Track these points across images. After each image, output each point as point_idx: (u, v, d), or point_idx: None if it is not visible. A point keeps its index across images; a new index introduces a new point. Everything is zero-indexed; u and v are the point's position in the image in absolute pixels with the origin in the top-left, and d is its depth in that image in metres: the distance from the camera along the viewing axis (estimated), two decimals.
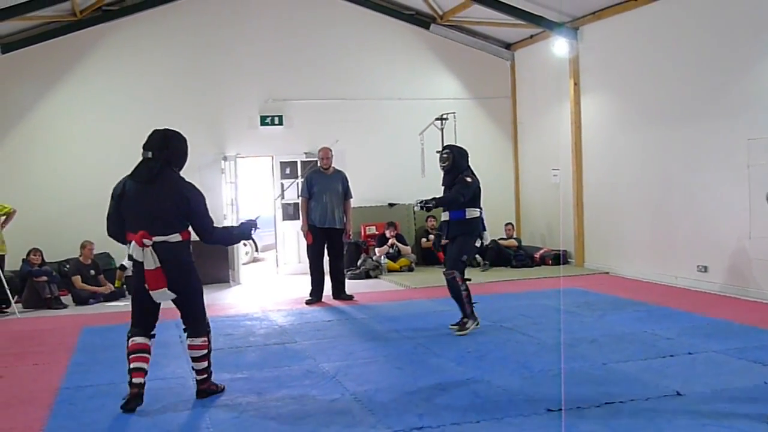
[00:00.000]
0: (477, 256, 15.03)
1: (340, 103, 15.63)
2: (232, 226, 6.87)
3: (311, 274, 11.76)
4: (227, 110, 15.11)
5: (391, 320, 9.91)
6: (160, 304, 6.29)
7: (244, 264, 15.70)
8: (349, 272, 13.77)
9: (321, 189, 11.54)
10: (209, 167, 14.86)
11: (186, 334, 6.48)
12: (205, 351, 6.42)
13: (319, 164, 11.92)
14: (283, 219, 15.53)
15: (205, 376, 6.51)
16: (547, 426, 5.49)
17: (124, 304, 12.20)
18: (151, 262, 6.05)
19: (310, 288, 11.74)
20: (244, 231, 6.68)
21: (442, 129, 14.67)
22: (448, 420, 5.65)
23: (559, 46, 14.47)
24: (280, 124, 15.37)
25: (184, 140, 6.69)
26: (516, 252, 15.14)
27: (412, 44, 16.20)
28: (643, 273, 12.78)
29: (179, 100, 14.67)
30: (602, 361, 7.33)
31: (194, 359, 6.44)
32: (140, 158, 6.51)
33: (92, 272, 12.73)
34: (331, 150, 11.93)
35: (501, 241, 15.25)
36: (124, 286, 12.98)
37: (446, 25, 16.05)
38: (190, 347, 6.43)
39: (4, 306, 11.62)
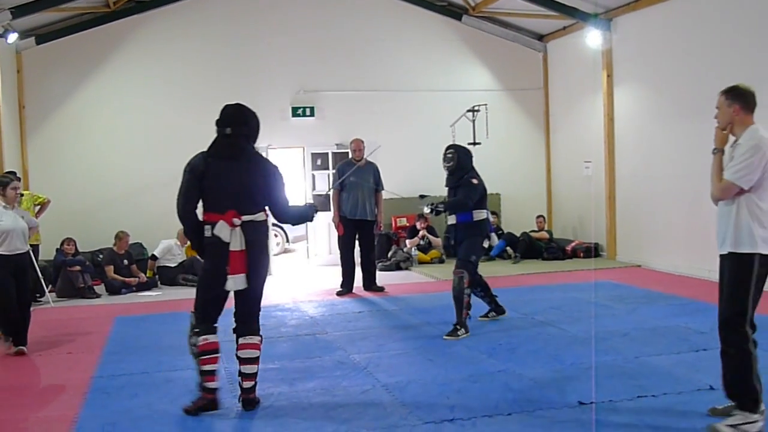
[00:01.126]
0: (508, 248, 15.03)
1: (372, 94, 15.62)
2: (296, 206, 6.52)
3: (342, 266, 11.78)
4: (259, 101, 14.86)
5: (422, 312, 9.90)
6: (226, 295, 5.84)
7: (275, 255, 15.76)
8: (380, 264, 13.78)
9: (353, 181, 11.55)
10: None
11: (239, 331, 5.91)
12: (260, 353, 5.94)
13: (351, 156, 11.93)
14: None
15: (255, 382, 5.95)
16: (579, 419, 5.47)
17: (156, 294, 12.33)
18: (238, 243, 5.67)
19: (341, 279, 11.76)
20: (308, 212, 6.56)
21: (473, 121, 14.64)
22: (480, 412, 5.64)
23: (593, 37, 14.35)
24: (312, 115, 15.40)
25: (256, 115, 6.26)
26: (547, 244, 15.07)
27: (444, 35, 16.15)
28: (676, 266, 12.67)
29: (211, 91, 14.68)
30: (634, 355, 7.28)
31: (246, 361, 5.87)
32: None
33: (125, 262, 12.84)
34: (363, 142, 11.93)
35: (532, 234, 15.19)
36: (156, 276, 13.10)
37: (478, 17, 15.98)
38: (244, 347, 5.86)
39: (38, 295, 11.73)
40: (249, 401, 5.91)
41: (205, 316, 5.82)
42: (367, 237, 11.74)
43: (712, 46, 11.74)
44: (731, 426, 5.07)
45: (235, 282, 5.70)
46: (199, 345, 5.76)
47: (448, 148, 9.06)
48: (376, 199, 11.73)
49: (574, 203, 15.83)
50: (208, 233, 5.73)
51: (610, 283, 11.80)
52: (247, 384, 5.89)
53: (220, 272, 5.69)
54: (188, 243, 13.43)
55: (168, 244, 13.33)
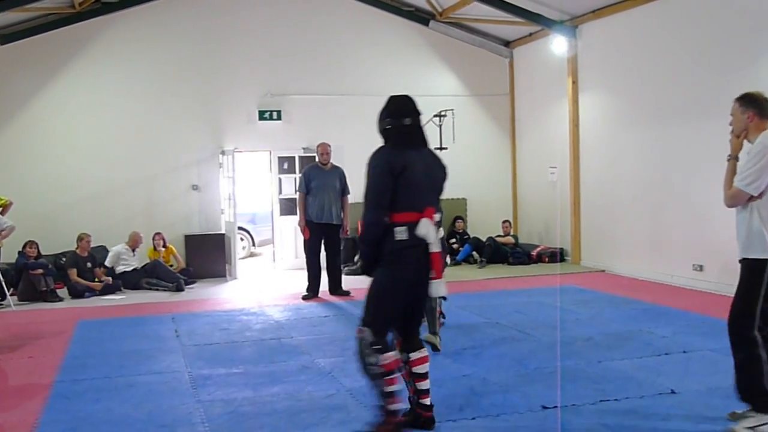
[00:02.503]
0: (474, 253, 15.10)
1: (339, 98, 15.61)
2: None
3: (308, 270, 11.75)
4: (226, 105, 15.09)
5: None
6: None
7: (240, 259, 15.69)
8: (345, 268, 13.75)
9: (319, 184, 11.53)
10: (207, 161, 14.88)
11: (407, 347, 5.36)
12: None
13: (317, 159, 11.92)
14: (281, 214, 15.51)
15: (429, 398, 5.42)
16: (543, 423, 5.50)
17: (120, 298, 12.22)
18: (437, 243, 5.17)
19: (306, 283, 11.73)
20: None
21: (440, 126, 14.66)
22: (444, 417, 5.64)
23: (558, 44, 14.46)
24: (279, 119, 15.35)
25: None
26: (513, 249, 15.14)
27: (411, 41, 16.18)
28: (640, 271, 12.79)
29: (178, 93, 14.66)
30: (598, 359, 7.34)
31: (424, 376, 5.37)
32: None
33: (89, 265, 12.72)
34: (329, 146, 11.92)
35: (498, 239, 15.26)
36: (119, 280, 12.97)
37: (445, 22, 16.04)
38: (420, 362, 5.34)
39: None
40: (429, 421, 5.41)
41: (386, 331, 5.21)
42: (333, 241, 11.73)
43: (675, 53, 11.88)
44: (749, 428, 5.15)
45: (439, 287, 5.24)
46: (383, 364, 5.09)
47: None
48: (342, 204, 11.72)
49: (540, 208, 15.92)
50: (402, 236, 5.12)
51: (574, 287, 11.89)
52: (427, 400, 5.40)
53: (420, 278, 5.19)
54: (138, 246, 13.37)
55: (117, 251, 13.23)
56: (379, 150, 5.30)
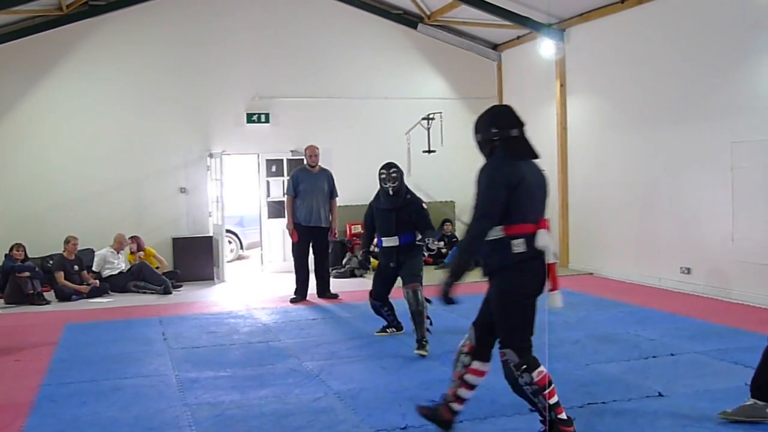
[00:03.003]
0: None
1: (327, 101, 15.60)
2: None
3: (296, 273, 11.73)
4: (213, 107, 15.07)
5: (376, 319, 9.87)
6: None
7: (228, 261, 15.66)
8: (334, 271, 13.77)
9: (307, 187, 11.52)
10: (195, 164, 14.85)
11: (484, 355, 5.34)
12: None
13: (305, 162, 11.91)
14: (269, 217, 15.49)
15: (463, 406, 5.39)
16: (530, 426, 5.49)
17: (107, 301, 12.17)
18: (553, 254, 5.15)
19: (294, 287, 11.72)
20: None
21: (428, 128, 14.69)
22: None
23: (546, 47, 14.48)
24: (267, 121, 15.33)
25: None
26: None
27: (399, 44, 16.19)
28: (627, 274, 12.82)
29: (165, 96, 14.63)
30: (585, 362, 7.35)
31: (467, 385, 5.33)
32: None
33: (76, 268, 12.67)
34: (318, 148, 11.91)
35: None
36: (106, 283, 12.92)
37: (433, 25, 16.06)
38: (474, 372, 5.31)
39: None
40: (452, 423, 5.41)
41: (528, 347, 5.14)
42: (321, 244, 11.72)
43: (662, 56, 11.92)
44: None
45: (557, 299, 5.26)
46: (537, 381, 5.02)
47: (391, 165, 8.54)
48: (330, 206, 11.72)
49: None
50: (520, 248, 5.01)
51: (562, 290, 11.84)
52: (459, 407, 5.37)
53: (537, 291, 5.17)
54: (126, 249, 13.35)
55: (102, 254, 13.18)
56: (494, 162, 5.22)
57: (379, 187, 8.65)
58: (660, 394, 6.19)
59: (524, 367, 5.03)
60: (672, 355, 7.58)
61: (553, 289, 5.18)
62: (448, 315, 9.80)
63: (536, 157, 5.24)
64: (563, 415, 5.06)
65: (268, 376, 7.15)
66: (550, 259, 5.09)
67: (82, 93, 14.33)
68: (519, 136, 5.22)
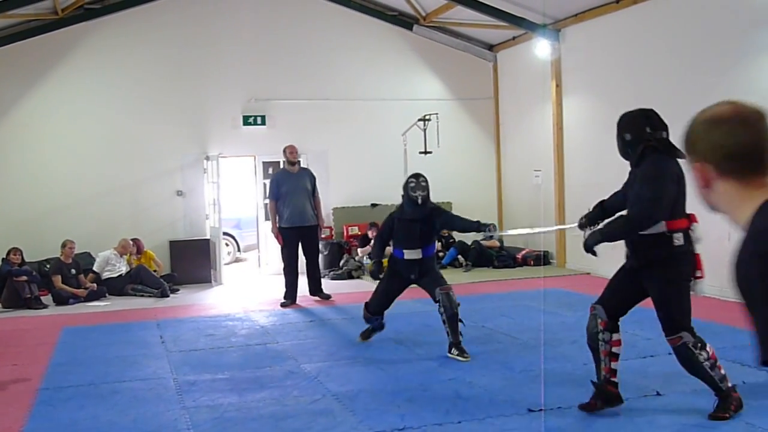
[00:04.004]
0: (459, 256, 15.11)
1: (323, 103, 15.61)
2: None
3: (285, 276, 11.65)
4: (210, 110, 15.06)
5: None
6: None
7: (226, 264, 15.65)
8: (331, 272, 13.78)
9: (289, 189, 11.50)
10: (191, 167, 14.84)
11: (610, 327, 5.91)
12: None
13: (285, 160, 11.89)
14: (266, 219, 15.47)
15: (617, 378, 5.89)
16: (528, 426, 5.52)
17: (105, 305, 12.17)
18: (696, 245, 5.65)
19: (284, 290, 11.69)
20: None
21: (425, 130, 14.70)
22: (430, 420, 5.66)
23: (541, 47, 14.50)
24: (263, 124, 15.33)
25: None
26: (498, 252, 15.17)
27: (395, 45, 16.20)
28: None
29: (162, 99, 14.62)
30: (583, 362, 7.34)
31: (615, 357, 5.86)
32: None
33: (73, 272, 12.65)
34: (297, 147, 11.95)
35: (483, 242, 15.25)
36: (104, 286, 12.91)
37: (429, 26, 16.06)
38: (616, 343, 5.88)
39: None
40: (620, 396, 5.84)
41: (692, 327, 5.69)
42: (312, 243, 11.67)
43: (657, 56, 11.94)
44: None
45: (704, 286, 5.83)
46: (711, 355, 5.60)
47: (419, 175, 8.33)
48: (314, 204, 11.70)
49: (525, 211, 15.95)
50: (680, 241, 5.57)
51: (559, 290, 11.92)
52: (616, 379, 5.85)
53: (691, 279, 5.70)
54: (129, 253, 13.33)
55: (105, 256, 13.17)
56: (664, 159, 5.59)
57: (403, 198, 8.36)
58: (658, 393, 6.21)
59: (700, 344, 5.52)
60: (670, 354, 7.50)
61: (701, 276, 5.70)
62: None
63: (684, 157, 5.49)
64: (615, 379, 5.75)
65: (266, 379, 7.15)
66: (697, 249, 5.64)
67: (78, 96, 14.31)
68: (667, 137, 5.70)
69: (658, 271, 5.61)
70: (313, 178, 11.80)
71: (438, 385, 6.70)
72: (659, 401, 6.03)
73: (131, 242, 13.47)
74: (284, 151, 11.92)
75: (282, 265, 11.85)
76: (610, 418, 5.66)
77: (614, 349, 5.80)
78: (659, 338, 8.23)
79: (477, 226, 8.13)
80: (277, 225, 11.57)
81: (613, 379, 5.80)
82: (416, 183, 8.19)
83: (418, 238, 8.14)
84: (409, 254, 8.19)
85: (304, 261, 11.74)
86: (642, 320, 9.30)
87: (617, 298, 5.92)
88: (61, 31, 14.02)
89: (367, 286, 13.24)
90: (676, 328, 5.57)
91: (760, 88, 10.05)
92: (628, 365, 7.17)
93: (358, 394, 6.51)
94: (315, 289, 11.78)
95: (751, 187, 1.95)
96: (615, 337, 5.81)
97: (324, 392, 6.61)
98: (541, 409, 5.80)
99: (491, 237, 8.60)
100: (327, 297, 11.72)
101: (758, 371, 6.48)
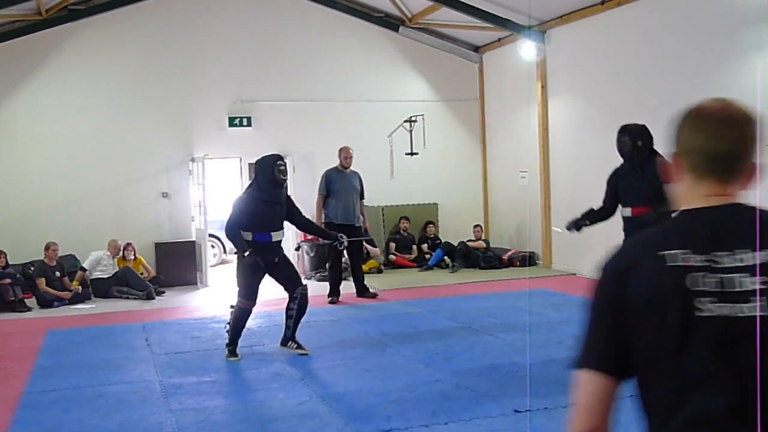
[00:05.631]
0: (446, 257, 15.12)
1: (309, 104, 15.59)
2: None
3: (331, 273, 11.94)
4: (195, 111, 15.01)
5: (360, 322, 9.90)
6: None
7: (212, 266, 15.59)
8: (318, 274, 13.76)
9: (341, 187, 11.71)
10: (177, 168, 14.78)
11: None
12: None
13: (340, 162, 12.04)
14: None
15: None
16: (515, 427, 5.52)
17: (90, 307, 12.11)
18: None
19: (328, 288, 11.83)
20: None
21: (411, 131, 14.71)
22: (417, 422, 5.65)
23: (527, 49, 14.53)
24: (249, 125, 15.29)
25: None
26: (484, 253, 15.18)
27: (381, 46, 16.20)
28: None
29: (146, 100, 14.56)
30: (569, 362, 7.37)
31: None
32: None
33: (57, 274, 12.58)
34: (352, 149, 12.10)
35: (469, 243, 15.29)
36: (89, 288, 12.84)
37: (415, 28, 16.07)
38: None
39: None
40: None
41: None
42: (355, 243, 11.65)
43: (643, 57, 11.98)
44: None
45: None
46: None
47: (283, 157, 8.40)
48: (360, 206, 11.97)
49: (511, 213, 15.98)
50: None
51: (545, 291, 11.94)
52: None
53: None
54: (118, 254, 13.28)
55: (97, 255, 13.11)
56: (663, 162, 6.14)
57: (260, 179, 8.21)
58: None
59: None
60: None
61: None
62: (432, 317, 9.85)
63: None
64: None
65: (252, 381, 7.14)
66: None
67: (62, 98, 14.24)
68: None
69: None
70: (361, 181, 12.02)
71: (424, 386, 6.70)
72: None
73: (119, 243, 13.40)
74: (339, 152, 12.11)
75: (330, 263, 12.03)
76: None
77: None
78: None
79: (320, 232, 9.01)
80: (322, 220, 11.59)
81: None
82: (284, 165, 8.20)
83: (281, 219, 8.21)
84: (277, 236, 8.18)
85: (301, 260, 11.79)
86: None
87: None
88: (45, 32, 13.93)
89: (353, 287, 13.24)
90: None
91: (744, 88, 10.10)
92: None
93: (345, 396, 6.50)
94: (361, 289, 11.95)
95: (703, 189, 1.96)
96: None
97: (310, 394, 6.60)
98: (527, 410, 5.80)
99: (342, 245, 8.90)
100: (374, 296, 11.88)
101: None
